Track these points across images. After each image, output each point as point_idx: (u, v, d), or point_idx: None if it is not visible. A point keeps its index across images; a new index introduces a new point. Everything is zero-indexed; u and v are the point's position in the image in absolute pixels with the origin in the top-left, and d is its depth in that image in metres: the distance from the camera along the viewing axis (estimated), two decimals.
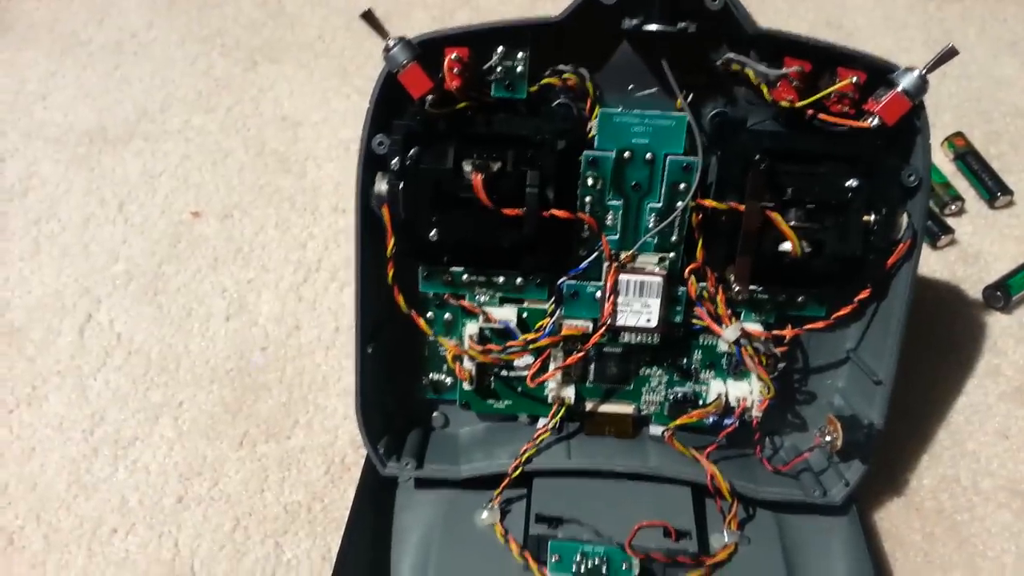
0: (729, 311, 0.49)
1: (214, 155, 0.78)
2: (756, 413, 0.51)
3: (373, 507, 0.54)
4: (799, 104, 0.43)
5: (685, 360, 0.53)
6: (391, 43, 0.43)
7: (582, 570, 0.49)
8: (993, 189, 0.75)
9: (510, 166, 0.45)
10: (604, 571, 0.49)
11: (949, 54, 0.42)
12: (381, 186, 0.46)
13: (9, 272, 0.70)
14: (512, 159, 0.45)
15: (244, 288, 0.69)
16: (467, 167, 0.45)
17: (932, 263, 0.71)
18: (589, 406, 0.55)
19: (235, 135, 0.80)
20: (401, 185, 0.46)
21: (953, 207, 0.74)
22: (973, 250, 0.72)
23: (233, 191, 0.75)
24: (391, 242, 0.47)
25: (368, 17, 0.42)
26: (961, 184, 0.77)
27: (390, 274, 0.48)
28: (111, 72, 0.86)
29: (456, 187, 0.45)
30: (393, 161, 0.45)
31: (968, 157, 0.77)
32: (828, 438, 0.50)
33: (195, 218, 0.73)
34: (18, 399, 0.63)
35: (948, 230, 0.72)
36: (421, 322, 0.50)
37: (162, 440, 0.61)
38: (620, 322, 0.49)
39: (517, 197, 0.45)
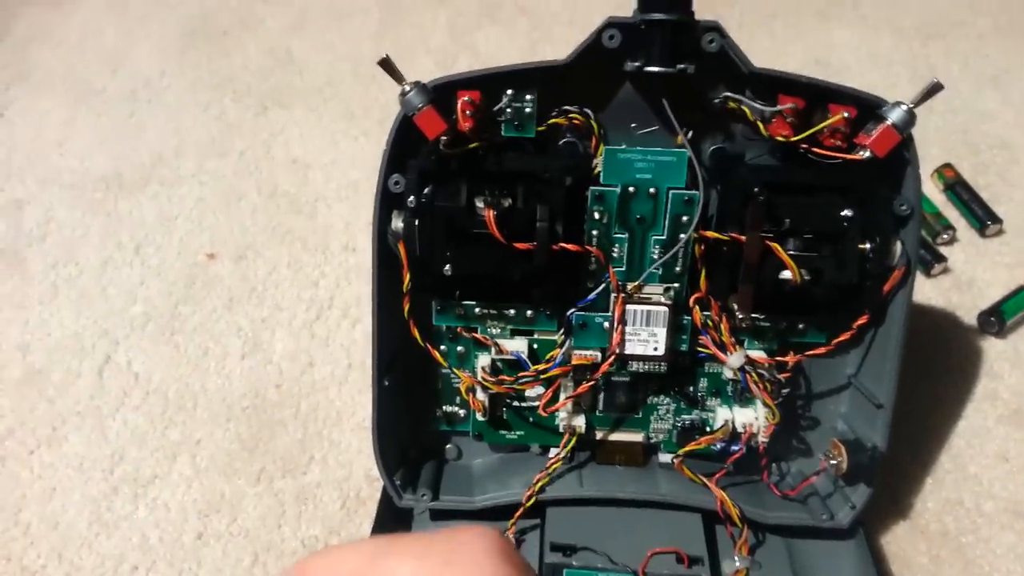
0: (733, 339, 0.51)
1: (228, 198, 0.80)
2: (762, 439, 0.53)
3: None
4: (794, 139, 0.46)
5: (691, 388, 0.55)
6: (407, 87, 0.45)
7: None
8: (983, 218, 0.77)
9: (520, 202, 0.47)
10: None
11: (934, 89, 0.44)
12: (397, 223, 0.48)
13: (29, 315, 0.72)
14: (522, 195, 0.47)
15: (259, 327, 0.70)
16: (479, 203, 0.47)
17: (927, 291, 0.73)
18: (599, 435, 0.56)
19: (248, 178, 0.82)
20: (416, 222, 0.47)
21: (945, 236, 0.76)
22: (966, 277, 0.74)
23: (247, 232, 0.77)
24: (407, 277, 0.49)
25: (386, 63, 0.44)
26: (952, 214, 0.79)
27: (406, 308, 0.50)
28: (126, 119, 0.89)
29: (469, 223, 0.47)
30: (409, 199, 0.47)
31: (958, 187, 0.79)
32: (833, 462, 0.52)
33: (210, 259, 0.75)
34: (39, 440, 0.64)
35: (941, 258, 0.74)
36: (436, 354, 0.52)
37: (181, 478, 0.62)
38: (628, 351, 0.51)
39: (527, 232, 0.47)
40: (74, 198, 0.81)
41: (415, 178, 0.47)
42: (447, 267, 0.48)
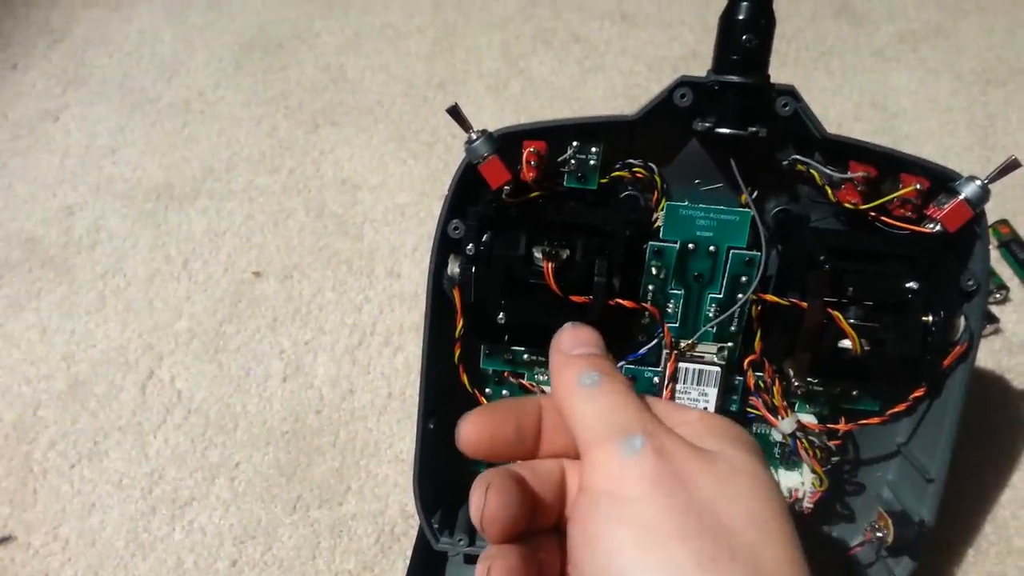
0: (784, 402, 0.50)
1: (276, 216, 0.80)
2: (807, 504, 0.52)
3: None
4: (863, 207, 0.45)
5: None
6: (474, 135, 0.44)
7: None
8: None
9: (579, 255, 0.47)
10: None
11: (1012, 166, 0.43)
12: (454, 268, 0.48)
13: (75, 325, 0.73)
14: (581, 248, 0.47)
15: (301, 349, 0.70)
16: (538, 254, 0.47)
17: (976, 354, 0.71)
18: None
19: (296, 196, 0.82)
20: (473, 269, 0.47)
21: (998, 296, 0.75)
22: (1018, 340, 0.72)
23: (293, 252, 0.78)
24: (460, 323, 0.48)
25: (454, 112, 0.44)
26: (1005, 272, 0.77)
27: (456, 353, 0.49)
28: (179, 130, 0.90)
29: (526, 273, 0.47)
30: (468, 246, 0.47)
31: (1012, 245, 0.78)
32: (879, 534, 0.51)
33: (256, 277, 0.75)
34: (80, 454, 0.65)
35: (993, 319, 0.73)
36: (483, 400, 0.52)
37: (218, 501, 0.62)
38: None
39: (584, 284, 0.46)
40: (125, 207, 0.82)
41: (475, 225, 0.47)
42: (501, 315, 0.48)
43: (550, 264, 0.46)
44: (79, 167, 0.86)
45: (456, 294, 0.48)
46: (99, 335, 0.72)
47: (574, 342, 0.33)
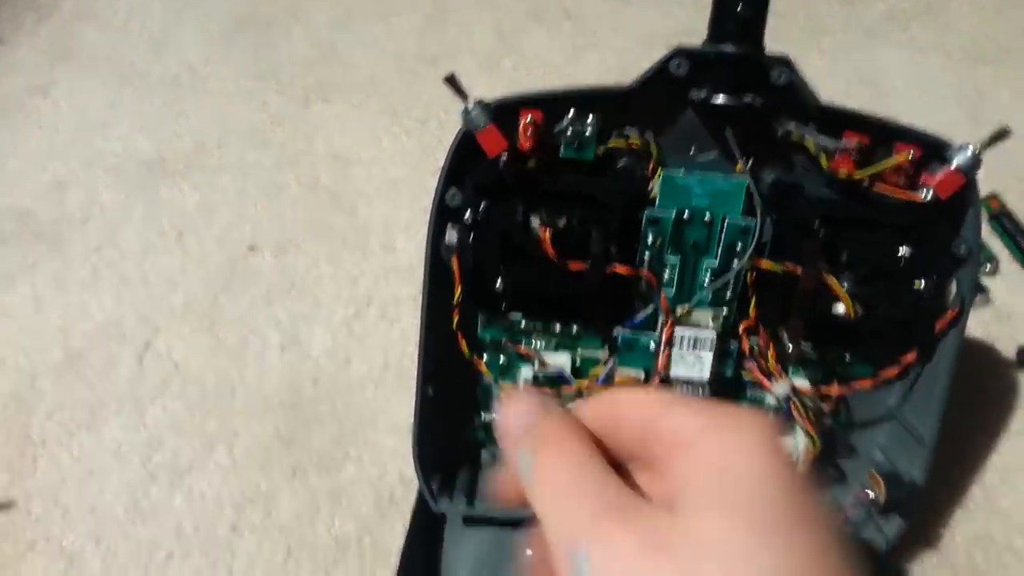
0: (779, 367, 0.51)
1: (268, 190, 0.81)
2: (800, 466, 0.53)
3: (424, 542, 0.56)
4: (857, 175, 0.46)
5: None
6: (471, 106, 0.45)
7: None
8: None
9: (576, 222, 0.47)
10: None
11: (1002, 134, 0.44)
12: (451, 236, 0.48)
13: (70, 298, 0.73)
14: (578, 216, 0.47)
15: (297, 322, 0.71)
16: (535, 222, 0.47)
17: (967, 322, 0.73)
18: None
19: (289, 171, 0.82)
20: (471, 237, 0.48)
21: (988, 267, 0.76)
22: (1007, 310, 0.74)
23: (287, 226, 0.78)
24: (458, 291, 0.49)
25: (451, 81, 0.44)
26: (995, 244, 0.78)
27: (455, 320, 0.50)
28: (169, 105, 0.89)
29: (523, 241, 0.47)
30: (465, 214, 0.48)
31: (1003, 218, 0.79)
32: (871, 494, 0.52)
33: (250, 252, 0.76)
34: (78, 423, 0.65)
35: (983, 290, 0.74)
36: (482, 366, 0.52)
37: (217, 468, 0.62)
38: (673, 373, 0.51)
39: (581, 251, 0.47)
40: (117, 181, 0.82)
41: (472, 193, 0.47)
42: (499, 282, 0.48)
43: (547, 231, 0.46)
44: (70, 142, 0.86)
45: (455, 261, 0.48)
46: (94, 307, 0.72)
47: (506, 422, 0.28)
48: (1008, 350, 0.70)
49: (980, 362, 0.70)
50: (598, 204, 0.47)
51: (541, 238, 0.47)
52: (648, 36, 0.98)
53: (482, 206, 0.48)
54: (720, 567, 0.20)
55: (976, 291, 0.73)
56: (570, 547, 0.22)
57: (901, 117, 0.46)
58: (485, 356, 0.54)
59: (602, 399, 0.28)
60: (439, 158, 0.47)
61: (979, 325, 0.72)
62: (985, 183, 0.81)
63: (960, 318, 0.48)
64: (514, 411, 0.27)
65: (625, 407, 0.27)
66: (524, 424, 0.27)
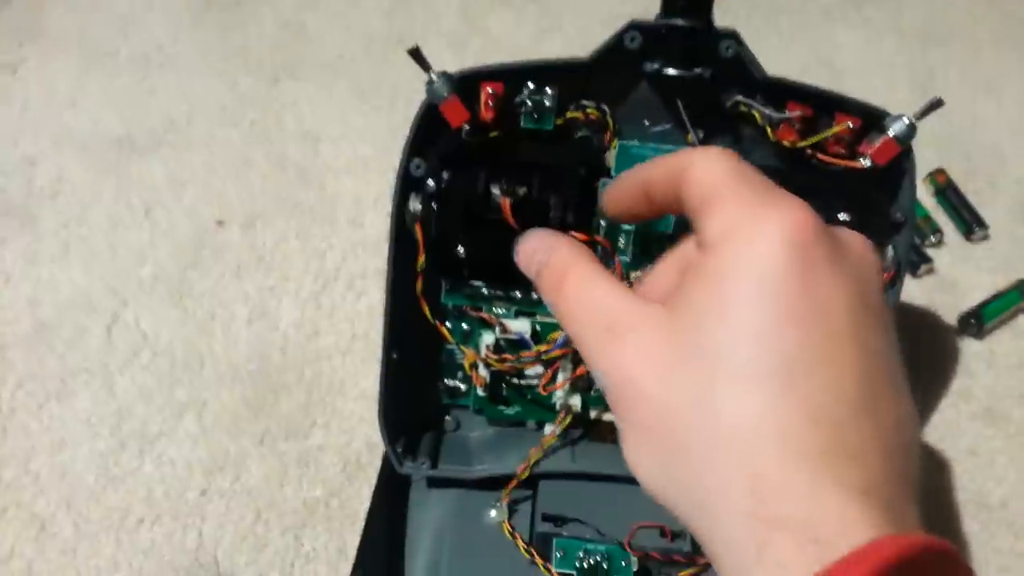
0: None
1: (237, 166, 0.82)
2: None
3: (389, 503, 0.57)
4: (800, 144, 0.48)
5: None
6: (434, 76, 0.46)
7: (584, 566, 0.53)
8: (970, 223, 0.80)
9: (535, 192, 0.49)
10: (605, 567, 0.53)
11: (936, 104, 0.47)
12: (415, 205, 0.50)
13: (40, 272, 0.73)
14: (537, 185, 0.49)
15: (266, 295, 0.72)
16: (496, 191, 0.49)
17: (912, 291, 0.76)
18: (593, 414, 0.59)
19: (258, 148, 0.83)
20: (434, 205, 0.49)
21: (933, 239, 0.79)
22: (950, 279, 0.77)
23: (256, 201, 0.79)
24: (422, 257, 0.51)
25: (415, 53, 0.46)
26: (941, 218, 0.82)
27: (419, 287, 0.52)
28: (138, 82, 0.90)
29: (485, 209, 0.49)
30: (428, 183, 0.49)
31: (948, 192, 0.82)
32: None
33: (219, 226, 0.77)
34: (48, 393, 0.66)
35: (927, 260, 0.77)
36: (444, 331, 0.54)
37: (186, 436, 0.64)
38: None
39: (540, 220, 0.49)
40: (86, 158, 0.82)
41: (436, 164, 0.49)
42: (461, 250, 0.50)
43: (507, 200, 0.48)
44: (39, 119, 0.86)
45: (418, 229, 0.50)
46: (63, 280, 0.73)
47: (523, 257, 0.36)
48: (950, 317, 0.74)
49: (923, 328, 0.73)
50: (557, 173, 0.49)
51: (502, 207, 0.48)
52: (610, 17, 0.99)
53: (445, 176, 0.49)
54: (716, 373, 0.24)
55: (921, 259, 0.76)
56: (590, 366, 0.28)
57: (855, 95, 0.48)
58: (448, 322, 0.56)
59: (626, 174, 0.33)
60: (406, 136, 0.49)
61: (923, 293, 0.75)
62: (933, 159, 0.85)
63: (897, 280, 0.51)
64: (529, 247, 0.34)
65: (650, 170, 0.32)
66: (538, 259, 0.33)
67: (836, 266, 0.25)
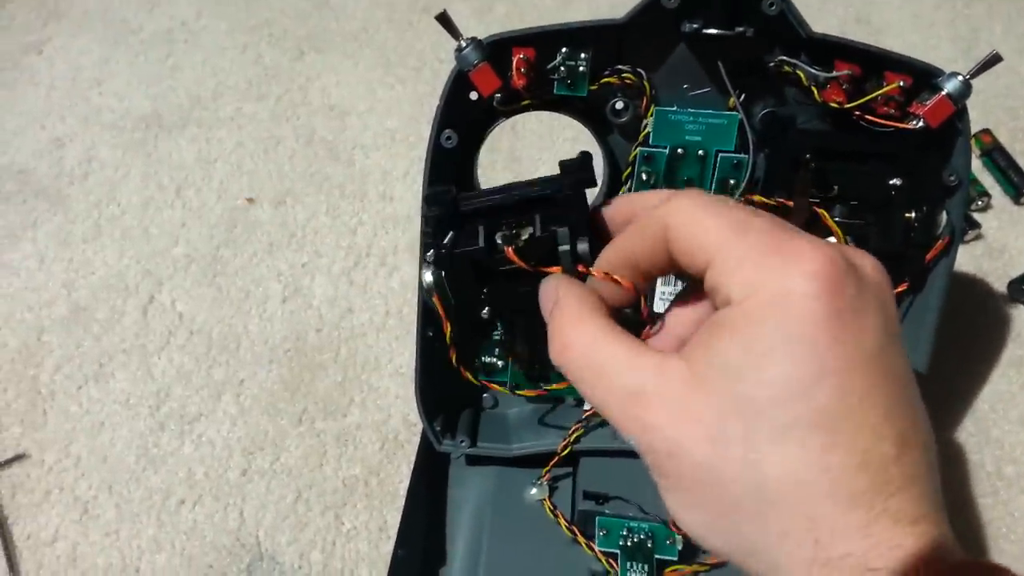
0: None
1: (266, 143, 0.81)
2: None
3: (429, 482, 0.57)
4: (848, 106, 0.46)
5: None
6: (464, 43, 0.45)
7: (628, 544, 0.52)
8: (1019, 185, 0.77)
9: (538, 229, 0.45)
10: (649, 546, 0.52)
11: (993, 60, 0.44)
12: (427, 277, 0.46)
13: (72, 253, 0.73)
14: (540, 221, 0.45)
15: (298, 272, 0.72)
16: (499, 240, 0.45)
17: (959, 257, 0.73)
18: None
19: (285, 123, 0.82)
20: (443, 273, 0.46)
21: (980, 203, 0.76)
22: (998, 245, 0.74)
23: (285, 178, 0.78)
24: (447, 327, 0.47)
25: (443, 19, 0.44)
26: (987, 180, 0.79)
27: (453, 358, 0.49)
28: (163, 60, 0.89)
29: (493, 262, 0.45)
30: (428, 253, 0.46)
31: (995, 154, 0.79)
32: None
33: (250, 204, 0.76)
34: (86, 376, 0.66)
35: (975, 225, 0.74)
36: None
37: (225, 416, 0.64)
38: (658, 309, 0.52)
39: (551, 255, 0.45)
40: (114, 137, 0.82)
41: (432, 229, 0.45)
42: (485, 310, 0.46)
43: (510, 248, 0.44)
44: (66, 99, 0.86)
45: (436, 302, 0.47)
46: (97, 262, 0.73)
47: (542, 300, 0.35)
48: (1000, 284, 0.71)
49: (972, 296, 0.71)
50: (556, 203, 0.45)
51: (508, 256, 0.44)
52: None
53: (447, 239, 0.45)
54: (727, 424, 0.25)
55: (968, 227, 0.73)
56: (619, 432, 0.27)
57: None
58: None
59: (609, 254, 0.33)
60: (434, 106, 0.47)
61: (971, 260, 0.73)
62: (978, 119, 0.82)
63: (951, 247, 0.49)
64: (544, 291, 0.34)
65: (630, 246, 0.32)
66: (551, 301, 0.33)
67: (861, 301, 0.25)
